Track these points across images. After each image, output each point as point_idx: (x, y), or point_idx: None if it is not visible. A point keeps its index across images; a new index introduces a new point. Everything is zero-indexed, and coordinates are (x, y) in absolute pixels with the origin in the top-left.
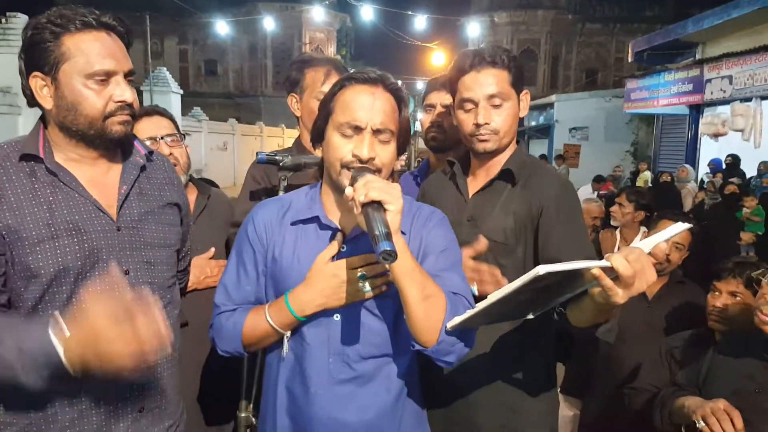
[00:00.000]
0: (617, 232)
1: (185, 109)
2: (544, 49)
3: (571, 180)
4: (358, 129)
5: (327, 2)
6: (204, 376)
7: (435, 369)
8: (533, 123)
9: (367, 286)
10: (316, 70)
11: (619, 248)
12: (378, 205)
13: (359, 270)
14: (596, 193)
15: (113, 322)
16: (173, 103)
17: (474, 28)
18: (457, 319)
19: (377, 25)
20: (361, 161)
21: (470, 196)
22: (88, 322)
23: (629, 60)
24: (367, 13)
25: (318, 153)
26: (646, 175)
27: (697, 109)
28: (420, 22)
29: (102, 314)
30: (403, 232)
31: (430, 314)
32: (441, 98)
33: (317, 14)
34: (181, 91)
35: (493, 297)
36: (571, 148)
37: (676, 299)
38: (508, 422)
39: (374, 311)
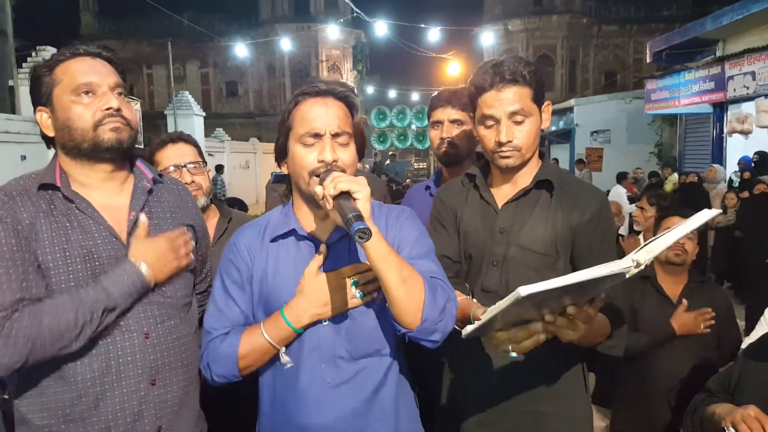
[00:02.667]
0: (641, 237)
1: (208, 130)
2: (560, 54)
3: (595, 183)
4: (317, 136)
5: (342, 20)
6: (224, 396)
7: (468, 376)
8: (553, 128)
9: (359, 293)
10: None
11: None
12: (347, 195)
13: (351, 278)
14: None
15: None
16: (196, 125)
17: (488, 37)
18: (470, 328)
19: (392, 39)
20: (326, 164)
21: (500, 206)
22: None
23: (648, 61)
24: (381, 29)
25: (284, 170)
26: (674, 178)
27: (721, 107)
28: (434, 34)
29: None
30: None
31: (410, 295)
32: (447, 114)
33: (332, 32)
34: (204, 114)
35: (489, 313)
36: (593, 152)
37: (701, 300)
38: (542, 429)
39: (360, 310)
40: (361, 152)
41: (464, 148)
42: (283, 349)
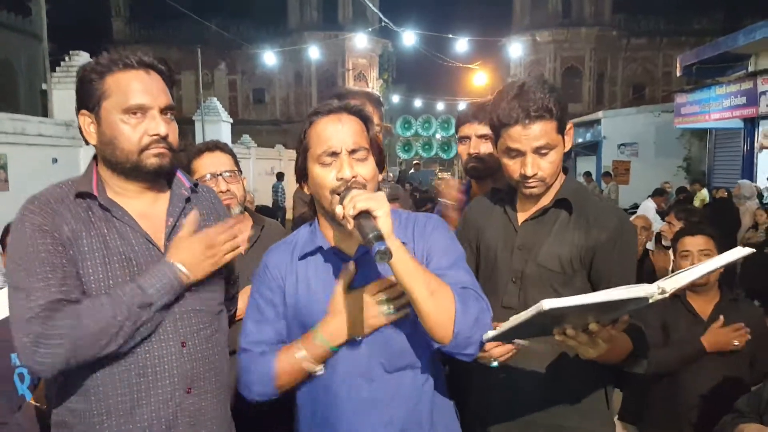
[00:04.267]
0: (670, 252)
1: (235, 137)
2: (588, 66)
3: (622, 196)
4: (334, 154)
5: (369, 30)
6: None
7: (492, 389)
8: (580, 140)
9: (391, 308)
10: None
11: (672, 269)
12: (367, 214)
13: (381, 294)
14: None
15: (201, 247)
16: (223, 131)
17: (516, 48)
18: (491, 334)
19: (418, 48)
20: (346, 182)
21: (520, 223)
22: (182, 252)
23: (678, 74)
24: (409, 39)
25: (306, 191)
26: (703, 194)
27: (752, 123)
28: (461, 44)
29: (191, 245)
30: (404, 243)
31: (440, 309)
32: (474, 129)
33: (360, 41)
34: (231, 120)
35: (510, 322)
36: (620, 165)
37: (733, 317)
38: None
39: (392, 324)
40: (381, 164)
41: (492, 163)
42: (321, 367)
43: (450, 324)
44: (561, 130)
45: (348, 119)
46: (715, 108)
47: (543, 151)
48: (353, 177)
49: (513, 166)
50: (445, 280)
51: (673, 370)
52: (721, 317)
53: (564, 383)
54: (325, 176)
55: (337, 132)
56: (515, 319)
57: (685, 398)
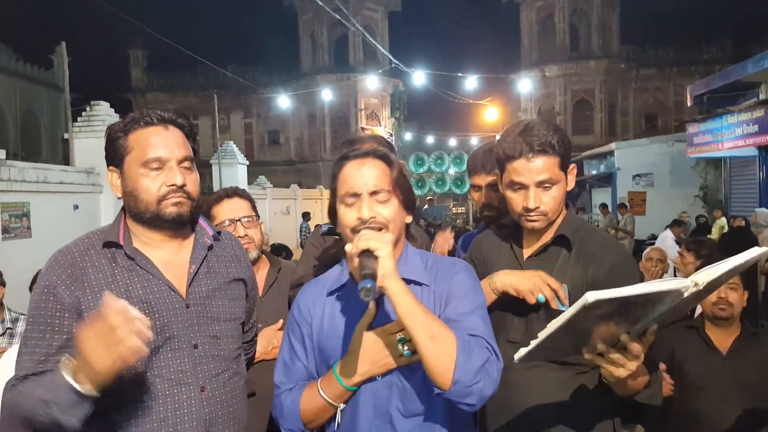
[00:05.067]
0: None
1: (251, 178)
2: (599, 98)
3: (638, 227)
4: (356, 195)
5: (380, 71)
6: None
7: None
8: (594, 172)
9: (408, 349)
10: (361, 147)
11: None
12: (369, 253)
13: (397, 334)
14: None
15: (98, 335)
16: (240, 173)
17: (525, 84)
18: (523, 351)
19: (429, 87)
20: (363, 221)
21: (524, 259)
22: (80, 344)
23: (689, 104)
24: (419, 78)
25: (338, 229)
26: (722, 222)
27: (766, 150)
28: (471, 81)
29: (87, 335)
30: (426, 284)
31: (440, 354)
32: (484, 179)
33: (371, 82)
34: (247, 162)
35: (551, 327)
36: (636, 195)
37: (754, 353)
38: None
39: (411, 367)
40: (410, 206)
41: (504, 208)
42: (341, 405)
43: (449, 371)
44: (564, 168)
45: (372, 162)
46: (728, 137)
47: (546, 185)
48: (371, 217)
49: (516, 200)
50: (458, 325)
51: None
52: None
53: (572, 413)
54: (347, 215)
55: (360, 175)
56: (557, 322)
57: (707, 430)
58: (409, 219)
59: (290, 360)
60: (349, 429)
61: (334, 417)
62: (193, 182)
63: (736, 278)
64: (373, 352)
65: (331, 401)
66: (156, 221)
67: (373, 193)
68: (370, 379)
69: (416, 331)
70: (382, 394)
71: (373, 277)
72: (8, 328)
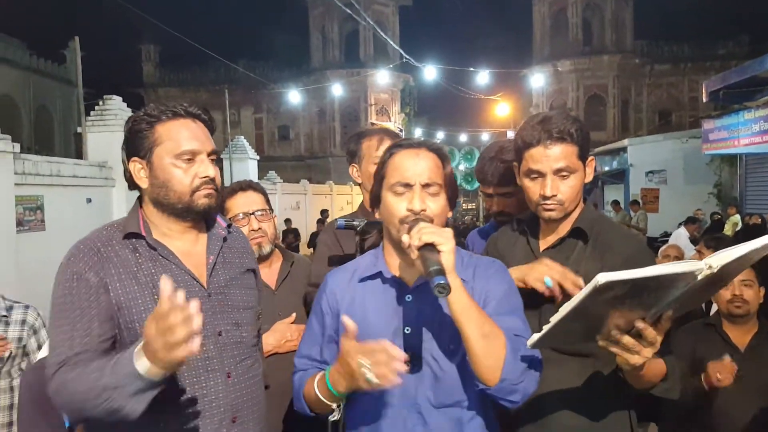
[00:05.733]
0: None
1: (261, 173)
2: (612, 94)
3: (651, 225)
4: (408, 186)
5: (390, 66)
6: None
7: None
8: (606, 168)
9: (371, 375)
10: (370, 139)
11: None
12: (432, 247)
13: (368, 357)
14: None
15: (159, 332)
16: (250, 168)
17: (537, 79)
18: (536, 336)
19: (439, 82)
20: (414, 213)
21: (540, 252)
22: (146, 335)
23: (704, 100)
24: (430, 73)
25: (377, 216)
26: (736, 219)
27: None
28: (482, 77)
29: (150, 323)
30: (465, 280)
31: (490, 352)
32: (494, 190)
33: (381, 77)
34: (257, 157)
35: (563, 310)
36: (649, 192)
37: None
38: None
39: (440, 360)
40: (453, 202)
41: (516, 211)
42: (334, 406)
43: (498, 369)
44: (582, 157)
45: (426, 155)
46: (744, 133)
47: (563, 174)
48: (422, 210)
49: (533, 188)
50: (499, 325)
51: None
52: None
53: (587, 406)
54: (396, 205)
55: (414, 165)
56: (568, 305)
57: (724, 429)
58: (449, 215)
59: (310, 341)
60: (374, 416)
61: (353, 408)
62: (218, 175)
63: (751, 274)
64: (346, 371)
65: (324, 400)
66: (186, 212)
67: (426, 185)
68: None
69: (469, 328)
70: (411, 385)
71: (443, 272)
72: (3, 316)
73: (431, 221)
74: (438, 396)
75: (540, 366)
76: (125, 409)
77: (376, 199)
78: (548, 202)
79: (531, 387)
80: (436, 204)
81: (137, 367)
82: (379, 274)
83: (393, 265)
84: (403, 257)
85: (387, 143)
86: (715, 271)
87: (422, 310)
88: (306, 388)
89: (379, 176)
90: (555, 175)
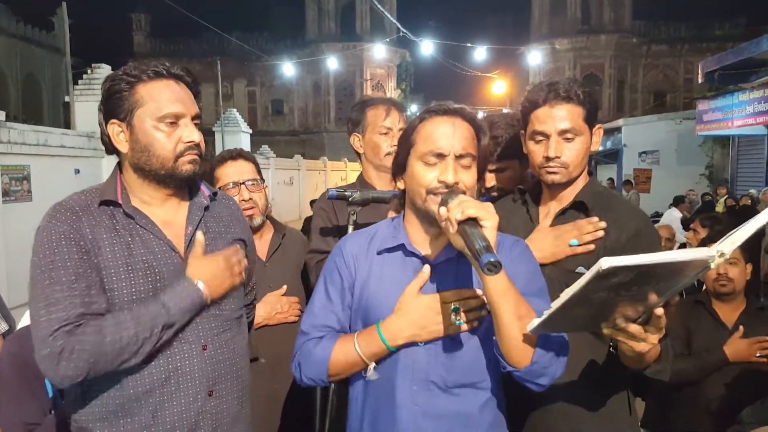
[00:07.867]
0: None
1: (254, 147)
2: (608, 73)
3: (643, 205)
4: (441, 156)
5: (387, 40)
6: (275, 411)
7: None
8: (600, 148)
9: (460, 320)
10: (376, 108)
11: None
12: (474, 222)
13: (453, 303)
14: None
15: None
16: (243, 142)
17: (535, 57)
18: (536, 321)
19: (437, 58)
20: (447, 186)
21: (540, 223)
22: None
23: (700, 81)
24: (427, 48)
25: (400, 185)
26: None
27: None
28: (479, 53)
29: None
30: None
31: (524, 335)
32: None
33: (378, 52)
34: (250, 131)
35: (564, 296)
36: (641, 173)
37: (760, 327)
38: None
39: (458, 338)
40: (482, 174)
41: (512, 186)
42: (373, 364)
43: (530, 352)
44: (588, 121)
45: (461, 124)
46: (738, 115)
47: (568, 136)
48: (455, 183)
49: (537, 151)
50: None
51: (695, 380)
52: (741, 328)
53: (585, 388)
54: (426, 175)
55: (448, 135)
56: (570, 291)
57: (709, 407)
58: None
59: (324, 307)
60: (386, 392)
61: (361, 378)
62: (202, 140)
63: (736, 252)
64: (423, 317)
65: (365, 358)
66: (168, 179)
67: (459, 156)
68: (412, 344)
69: (506, 309)
70: (422, 360)
71: (491, 249)
72: None
73: (463, 194)
74: (452, 375)
75: (567, 350)
76: (173, 320)
77: (400, 168)
78: (551, 164)
79: (559, 370)
80: (468, 176)
81: (198, 285)
82: (400, 247)
83: (414, 237)
84: (428, 229)
85: (395, 115)
86: (727, 256)
87: (442, 286)
88: (336, 353)
89: (407, 144)
90: (560, 137)
